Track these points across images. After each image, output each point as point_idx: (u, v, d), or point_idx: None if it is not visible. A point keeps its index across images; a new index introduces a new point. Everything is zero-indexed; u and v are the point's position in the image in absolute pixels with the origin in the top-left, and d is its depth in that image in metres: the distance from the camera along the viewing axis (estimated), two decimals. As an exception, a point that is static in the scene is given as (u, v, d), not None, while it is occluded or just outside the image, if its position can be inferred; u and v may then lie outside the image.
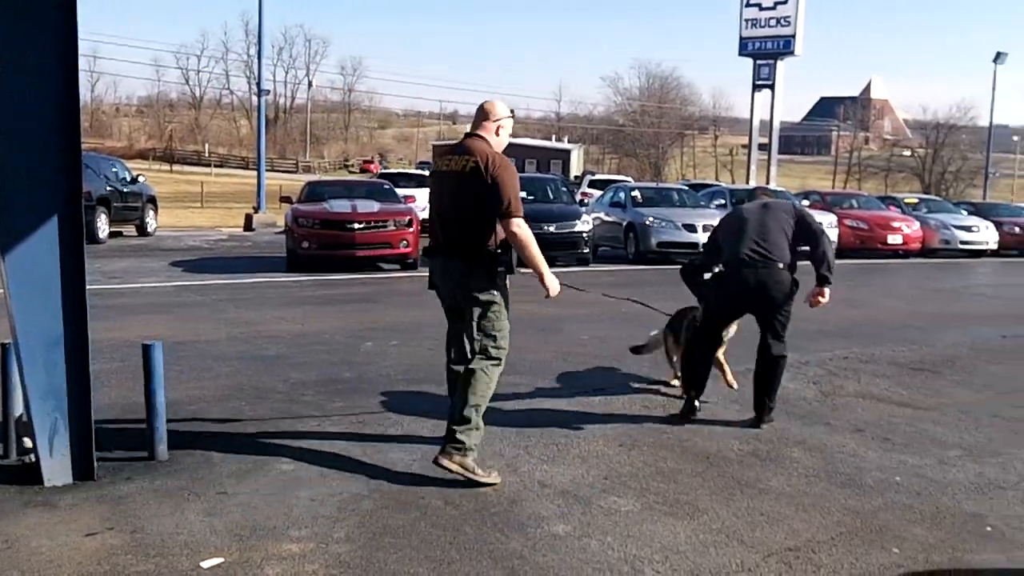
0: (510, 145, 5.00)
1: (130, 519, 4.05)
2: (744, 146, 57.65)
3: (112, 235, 20.82)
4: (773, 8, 40.24)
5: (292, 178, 59.13)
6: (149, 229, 23.23)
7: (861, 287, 15.13)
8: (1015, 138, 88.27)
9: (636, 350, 7.13)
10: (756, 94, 41.98)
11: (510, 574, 3.57)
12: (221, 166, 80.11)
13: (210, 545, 3.78)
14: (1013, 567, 3.80)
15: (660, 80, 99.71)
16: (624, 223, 18.72)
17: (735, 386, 6.35)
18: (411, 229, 15.27)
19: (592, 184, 34.92)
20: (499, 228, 4.66)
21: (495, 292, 4.67)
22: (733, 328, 6.27)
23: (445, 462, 4.53)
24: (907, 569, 3.71)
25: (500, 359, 4.72)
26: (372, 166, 77.94)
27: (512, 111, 4.95)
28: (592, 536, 3.97)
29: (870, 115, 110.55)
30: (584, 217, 17.32)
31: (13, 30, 4.29)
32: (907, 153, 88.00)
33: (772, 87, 40.99)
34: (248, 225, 27.45)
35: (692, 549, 3.85)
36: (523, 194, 5.64)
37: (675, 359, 6.67)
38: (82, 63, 4.62)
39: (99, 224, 19.56)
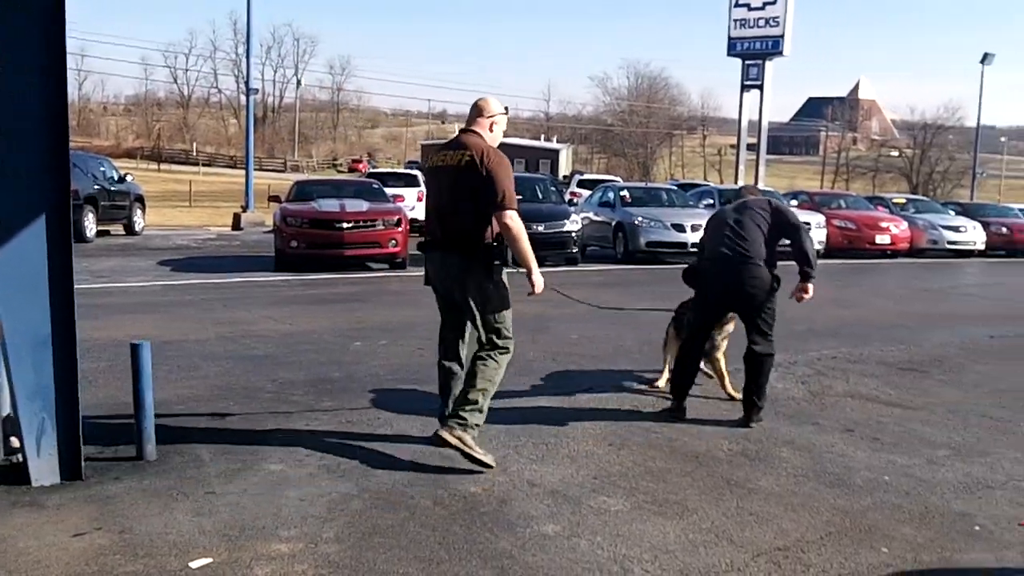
0: (499, 144, 5.04)
1: (118, 519, 4.03)
2: (732, 146, 57.81)
3: (100, 234, 20.72)
4: (762, 8, 40.24)
5: (280, 177, 59.04)
6: (137, 228, 23.14)
7: (850, 287, 15.19)
8: (1002, 139, 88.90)
9: None
10: (744, 94, 41.98)
11: (499, 574, 3.57)
12: (209, 165, 79.88)
13: (199, 545, 3.76)
14: (1001, 567, 3.81)
15: (649, 80, 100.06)
16: (613, 223, 18.74)
17: (736, 396, 6.27)
18: (400, 229, 15.24)
19: (581, 184, 34.88)
20: (495, 222, 4.74)
21: (494, 284, 4.77)
22: (730, 327, 6.29)
23: (445, 435, 4.67)
24: (896, 568, 3.72)
25: (508, 348, 4.87)
26: (360, 165, 77.76)
27: (506, 108, 5.07)
28: (581, 536, 3.97)
29: (858, 115, 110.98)
30: (573, 217, 17.33)
31: (1, 28, 4.27)
32: (895, 153, 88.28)
33: (760, 87, 41.00)
34: (236, 224, 27.35)
35: (681, 549, 3.85)
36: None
37: (668, 358, 6.65)
38: (70, 61, 4.58)
39: (87, 223, 19.47)
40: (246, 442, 5.20)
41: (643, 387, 6.80)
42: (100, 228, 20.82)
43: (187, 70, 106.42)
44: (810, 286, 5.88)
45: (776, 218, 5.91)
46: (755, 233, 5.82)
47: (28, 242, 4.33)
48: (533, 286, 4.80)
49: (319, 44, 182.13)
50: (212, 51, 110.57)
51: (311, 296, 12.25)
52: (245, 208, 28.66)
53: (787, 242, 5.88)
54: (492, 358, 4.80)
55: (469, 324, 4.99)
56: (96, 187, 20.47)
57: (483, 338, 4.84)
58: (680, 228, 17.60)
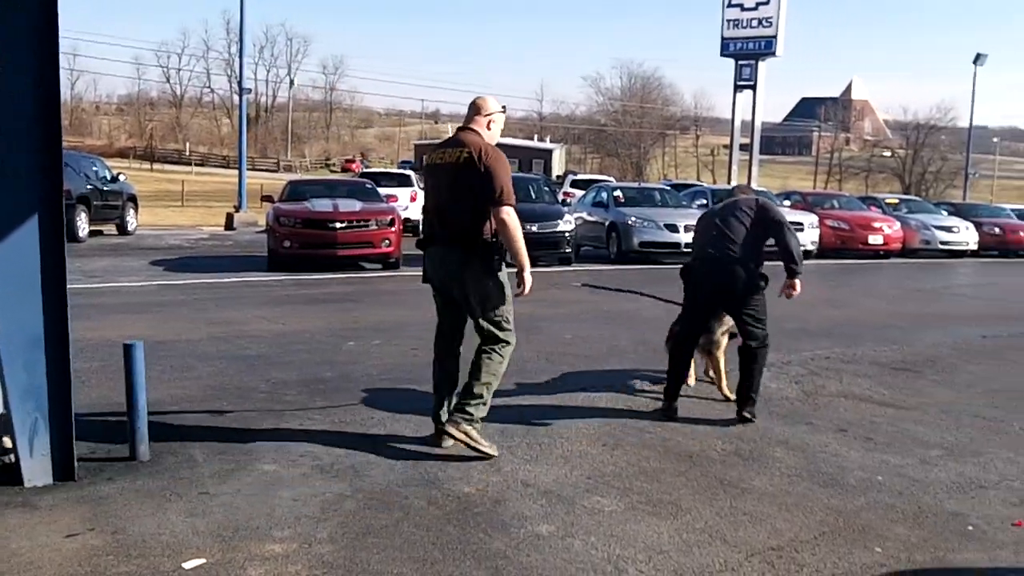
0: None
1: (111, 520, 4.02)
2: (725, 146, 57.81)
3: (92, 234, 20.69)
4: (755, 9, 40.31)
5: (273, 177, 58.91)
6: (129, 228, 23.10)
7: (842, 287, 15.23)
8: (995, 139, 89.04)
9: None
10: (738, 94, 42.04)
11: (493, 574, 3.56)
12: (202, 165, 79.83)
13: (192, 546, 3.75)
14: (994, 566, 3.82)
15: (642, 80, 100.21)
16: (606, 223, 18.75)
17: (731, 397, 6.27)
18: (393, 228, 15.23)
19: (574, 184, 34.85)
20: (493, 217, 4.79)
21: (493, 279, 4.83)
22: (728, 322, 6.28)
23: (451, 429, 4.80)
24: (889, 568, 3.73)
25: (509, 340, 4.95)
26: (354, 165, 77.63)
27: (504, 107, 5.12)
28: (575, 536, 3.97)
29: (851, 116, 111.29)
30: (567, 217, 17.33)
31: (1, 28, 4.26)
32: (887, 154, 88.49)
33: (754, 87, 41.07)
34: (229, 224, 27.32)
35: (675, 548, 3.85)
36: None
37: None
38: (62, 61, 4.57)
39: (79, 223, 19.43)
40: (239, 442, 5.19)
41: (637, 387, 6.79)
42: (93, 228, 20.79)
43: (180, 70, 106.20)
44: (797, 282, 5.92)
45: (760, 215, 5.92)
46: (739, 231, 5.85)
47: (21, 242, 4.32)
48: (523, 284, 4.84)
49: (312, 44, 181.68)
50: (205, 51, 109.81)
51: (304, 296, 12.23)
52: (238, 208, 28.64)
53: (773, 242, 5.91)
54: (495, 351, 4.89)
55: (468, 321, 5.02)
56: (89, 187, 20.44)
57: (484, 332, 4.90)
58: (673, 228, 17.62)
